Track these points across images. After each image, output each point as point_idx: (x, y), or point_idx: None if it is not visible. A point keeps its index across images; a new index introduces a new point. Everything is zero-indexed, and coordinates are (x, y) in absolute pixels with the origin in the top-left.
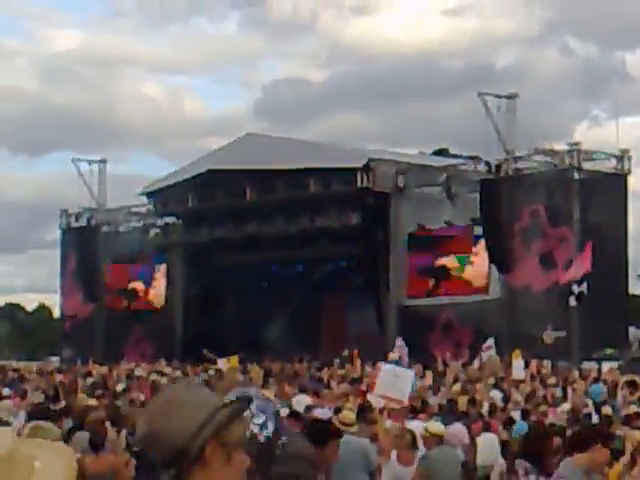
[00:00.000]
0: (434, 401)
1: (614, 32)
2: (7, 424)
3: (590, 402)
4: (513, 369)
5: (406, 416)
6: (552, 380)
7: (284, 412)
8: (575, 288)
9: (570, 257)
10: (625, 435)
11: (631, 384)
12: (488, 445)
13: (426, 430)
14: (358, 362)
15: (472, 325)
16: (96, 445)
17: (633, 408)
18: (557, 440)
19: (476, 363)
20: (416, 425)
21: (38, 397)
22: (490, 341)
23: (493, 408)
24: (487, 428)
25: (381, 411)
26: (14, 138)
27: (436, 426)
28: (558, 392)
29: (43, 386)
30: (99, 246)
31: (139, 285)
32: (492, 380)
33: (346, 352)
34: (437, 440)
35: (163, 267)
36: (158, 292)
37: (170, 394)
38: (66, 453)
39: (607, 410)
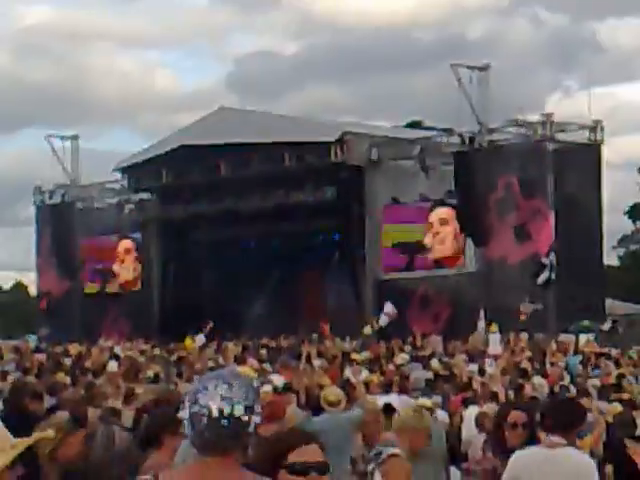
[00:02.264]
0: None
1: (584, 2)
2: None
3: (566, 374)
4: (489, 343)
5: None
6: (529, 353)
7: (267, 388)
8: (546, 261)
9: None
10: (602, 409)
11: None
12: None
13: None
14: (329, 338)
15: (449, 299)
16: (77, 424)
17: (608, 380)
18: (517, 414)
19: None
20: (393, 399)
21: (17, 376)
22: (481, 313)
23: (470, 382)
24: (474, 401)
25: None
26: None
27: (424, 401)
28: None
29: (24, 364)
30: (74, 223)
31: (115, 262)
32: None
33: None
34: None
35: (138, 243)
36: (134, 269)
37: None
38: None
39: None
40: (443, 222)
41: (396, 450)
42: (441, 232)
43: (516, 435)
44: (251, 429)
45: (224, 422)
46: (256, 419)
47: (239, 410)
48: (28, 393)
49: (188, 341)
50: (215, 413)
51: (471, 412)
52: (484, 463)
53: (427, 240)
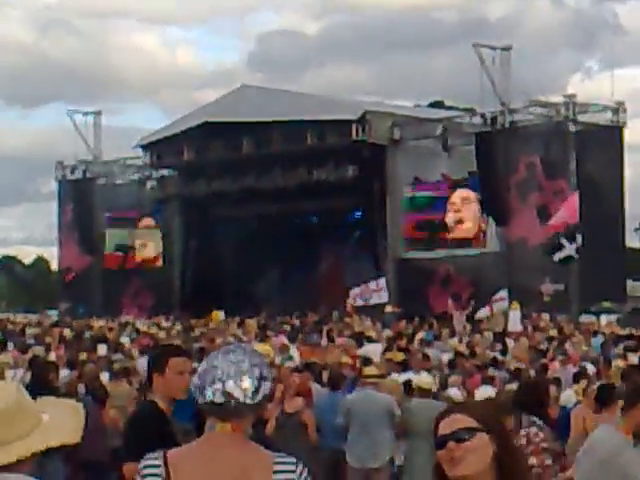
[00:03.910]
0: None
1: None
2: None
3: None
4: (510, 321)
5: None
6: (551, 333)
7: (292, 364)
8: (565, 242)
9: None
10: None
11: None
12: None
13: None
14: (355, 315)
15: (470, 278)
16: (94, 397)
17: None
18: (553, 389)
19: (484, 312)
20: (406, 377)
21: (38, 350)
22: (503, 293)
23: (494, 361)
24: (487, 381)
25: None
26: (8, 90)
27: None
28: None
29: (44, 338)
30: (95, 199)
31: (137, 238)
32: (489, 334)
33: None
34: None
35: (160, 220)
36: (156, 245)
37: None
38: (76, 409)
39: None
40: (465, 201)
41: None
42: (463, 211)
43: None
44: (257, 401)
45: (225, 397)
46: (260, 394)
47: (242, 384)
48: (52, 368)
49: (215, 314)
50: (218, 387)
51: (482, 393)
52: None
53: (448, 218)
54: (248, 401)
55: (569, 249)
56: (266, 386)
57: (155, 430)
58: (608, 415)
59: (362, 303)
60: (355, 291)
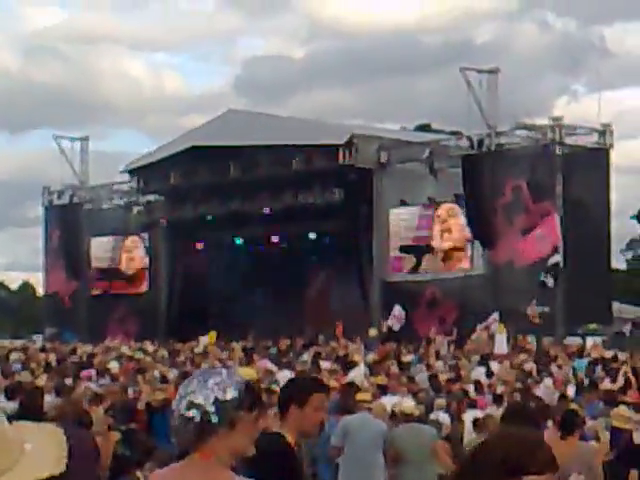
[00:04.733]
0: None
1: (592, 7)
2: None
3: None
4: (495, 343)
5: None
6: (534, 355)
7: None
8: (552, 260)
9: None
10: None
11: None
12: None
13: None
14: (342, 339)
15: (456, 301)
16: (80, 423)
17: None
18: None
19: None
20: (388, 400)
21: (25, 376)
22: (495, 315)
23: (478, 385)
24: (473, 405)
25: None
26: None
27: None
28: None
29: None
30: (82, 224)
31: (122, 264)
32: (476, 357)
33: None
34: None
35: (146, 245)
36: (141, 271)
37: None
38: (57, 435)
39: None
40: (451, 214)
41: None
42: (449, 221)
43: None
44: (220, 425)
45: (185, 421)
46: (224, 416)
47: (193, 411)
48: (39, 395)
49: (211, 335)
50: (181, 411)
51: (469, 415)
52: None
53: (435, 231)
54: (210, 418)
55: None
56: (230, 407)
57: (283, 466)
58: (572, 441)
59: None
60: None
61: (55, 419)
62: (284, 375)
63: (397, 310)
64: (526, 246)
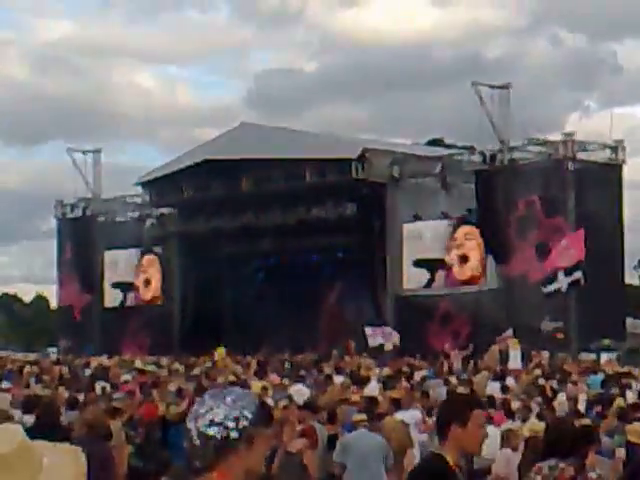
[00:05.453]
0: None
1: (603, 23)
2: (9, 418)
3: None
4: (510, 359)
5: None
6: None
7: (285, 402)
8: (562, 277)
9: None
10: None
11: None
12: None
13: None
14: (354, 356)
15: (470, 315)
16: (101, 437)
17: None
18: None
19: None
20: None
21: (39, 389)
22: (509, 331)
23: (491, 400)
24: (488, 421)
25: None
26: (8, 128)
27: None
28: (555, 384)
29: (45, 378)
30: (95, 236)
31: (135, 277)
32: (485, 373)
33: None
34: None
35: (159, 258)
36: (154, 284)
37: None
38: (76, 453)
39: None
40: (469, 237)
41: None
42: (466, 246)
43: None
44: (241, 442)
45: (205, 439)
46: (237, 432)
47: (213, 428)
48: (57, 408)
49: (219, 350)
50: (201, 429)
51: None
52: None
53: (450, 256)
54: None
55: (561, 281)
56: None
57: None
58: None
59: (380, 342)
60: (372, 332)
61: (77, 432)
62: (297, 389)
63: (388, 329)
64: (549, 255)
